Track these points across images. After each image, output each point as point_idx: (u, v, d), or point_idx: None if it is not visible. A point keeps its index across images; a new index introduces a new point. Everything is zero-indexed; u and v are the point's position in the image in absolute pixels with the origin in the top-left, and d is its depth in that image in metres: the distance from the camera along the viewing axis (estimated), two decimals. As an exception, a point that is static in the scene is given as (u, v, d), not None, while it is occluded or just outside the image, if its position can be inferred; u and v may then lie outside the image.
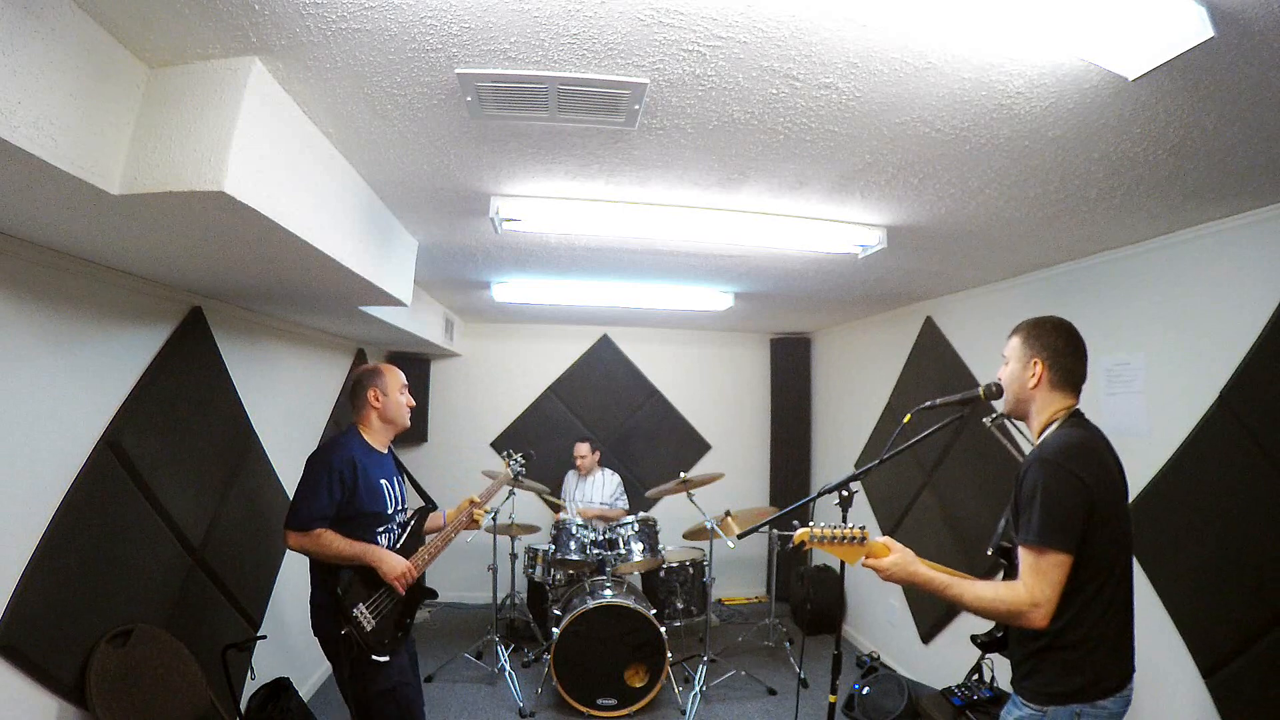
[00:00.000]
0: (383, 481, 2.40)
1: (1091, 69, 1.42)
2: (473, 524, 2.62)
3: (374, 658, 2.26)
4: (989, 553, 1.74)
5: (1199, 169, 1.91)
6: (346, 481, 2.26)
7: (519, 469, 3.17)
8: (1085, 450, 1.56)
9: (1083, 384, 1.70)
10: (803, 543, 1.66)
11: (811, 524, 1.67)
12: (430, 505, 2.65)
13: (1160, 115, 1.61)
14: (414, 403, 2.56)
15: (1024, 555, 1.51)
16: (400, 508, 2.48)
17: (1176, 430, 2.42)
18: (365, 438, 2.43)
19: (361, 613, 2.26)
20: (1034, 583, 1.47)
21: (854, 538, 1.63)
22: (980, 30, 1.32)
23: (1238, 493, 2.21)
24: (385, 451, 2.50)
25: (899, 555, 1.63)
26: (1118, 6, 1.16)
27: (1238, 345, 2.23)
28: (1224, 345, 2.28)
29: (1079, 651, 1.51)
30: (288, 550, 3.43)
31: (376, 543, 2.34)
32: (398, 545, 2.42)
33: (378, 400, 2.44)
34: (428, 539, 2.56)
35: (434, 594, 2.62)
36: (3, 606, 1.78)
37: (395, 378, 2.51)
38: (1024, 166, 1.97)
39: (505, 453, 3.21)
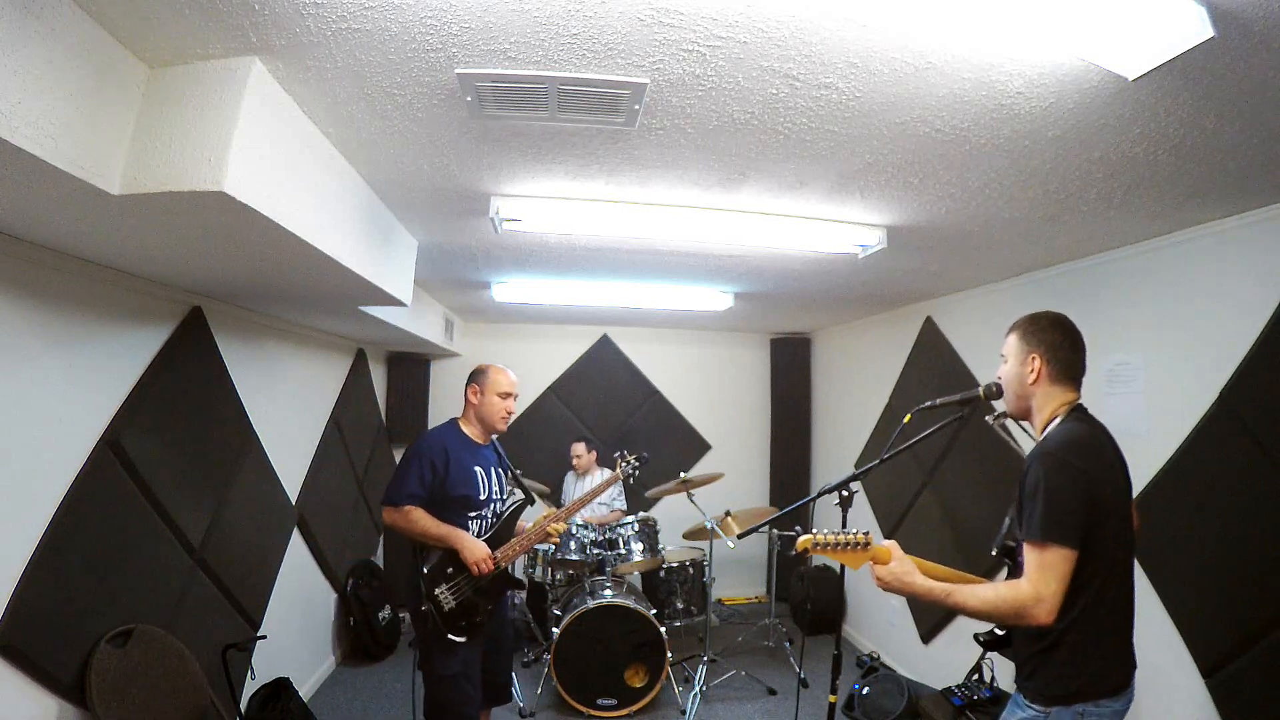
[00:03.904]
0: (476, 469, 2.52)
1: (1091, 69, 1.42)
2: (547, 538, 2.67)
3: (450, 636, 2.37)
4: (993, 553, 1.73)
5: (1199, 169, 1.91)
6: (438, 467, 2.42)
7: (631, 470, 3.09)
8: (1087, 444, 1.55)
9: (1082, 376, 1.69)
10: (805, 550, 1.61)
11: (815, 530, 1.63)
12: (528, 500, 2.73)
13: (1160, 115, 1.61)
14: (513, 410, 2.66)
15: (1028, 551, 1.48)
16: (496, 497, 2.59)
17: (1176, 430, 2.42)
18: (463, 429, 2.60)
19: (443, 592, 2.39)
20: (1038, 578, 1.44)
21: (856, 543, 1.59)
22: (980, 30, 1.32)
23: (1238, 492, 2.21)
24: (485, 444, 2.63)
25: (897, 565, 1.59)
26: (1118, 6, 1.16)
27: (1238, 345, 2.23)
28: (1224, 345, 2.28)
29: (1083, 651, 1.50)
30: (286, 548, 3.46)
31: (466, 528, 2.46)
32: (486, 533, 2.53)
33: (474, 398, 2.60)
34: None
35: (521, 584, 2.71)
36: (3, 606, 1.77)
37: (497, 382, 2.61)
38: (1024, 166, 1.97)
39: (619, 453, 3.17)
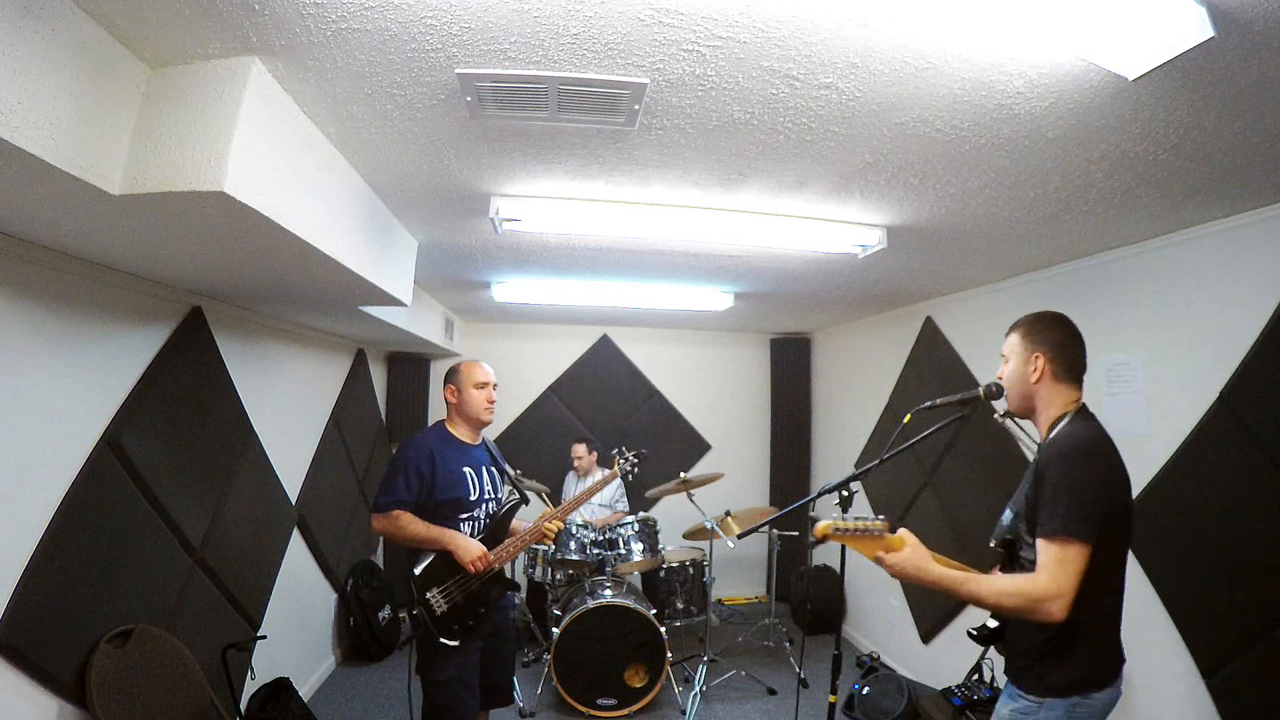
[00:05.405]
0: (466, 470, 2.48)
1: (1091, 69, 1.42)
2: (543, 538, 2.60)
3: (441, 641, 2.32)
4: (992, 544, 1.74)
5: (1199, 168, 1.91)
6: (424, 473, 2.38)
7: (629, 468, 3.02)
8: (1103, 444, 1.58)
9: (1084, 375, 1.71)
10: (825, 537, 1.59)
11: (836, 516, 1.60)
12: (522, 499, 2.68)
13: (1160, 115, 1.61)
14: (494, 399, 2.62)
15: (1046, 547, 1.49)
16: (489, 497, 2.55)
17: (1176, 430, 2.42)
18: (450, 431, 2.56)
19: (434, 596, 2.35)
20: (1058, 574, 1.45)
21: (877, 530, 1.57)
22: (980, 30, 1.32)
23: (1238, 493, 2.21)
24: (474, 443, 2.59)
25: (911, 552, 1.58)
26: (1118, 6, 1.16)
27: (1238, 345, 2.23)
28: (1224, 345, 2.28)
29: (1082, 644, 1.52)
30: (286, 548, 3.46)
31: (459, 529, 2.42)
32: (479, 534, 2.48)
33: (453, 397, 2.56)
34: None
35: (516, 587, 2.64)
36: (3, 606, 1.77)
37: (471, 375, 2.58)
38: (1024, 166, 1.97)
39: (617, 449, 3.09)
